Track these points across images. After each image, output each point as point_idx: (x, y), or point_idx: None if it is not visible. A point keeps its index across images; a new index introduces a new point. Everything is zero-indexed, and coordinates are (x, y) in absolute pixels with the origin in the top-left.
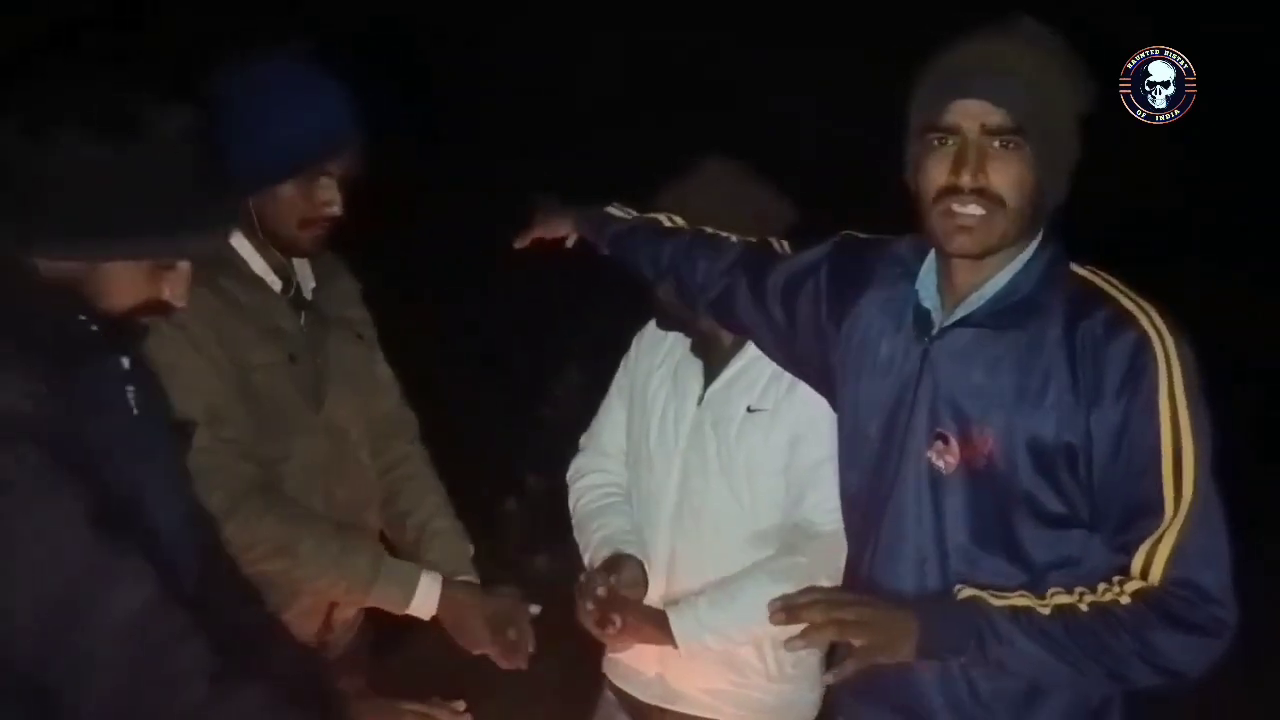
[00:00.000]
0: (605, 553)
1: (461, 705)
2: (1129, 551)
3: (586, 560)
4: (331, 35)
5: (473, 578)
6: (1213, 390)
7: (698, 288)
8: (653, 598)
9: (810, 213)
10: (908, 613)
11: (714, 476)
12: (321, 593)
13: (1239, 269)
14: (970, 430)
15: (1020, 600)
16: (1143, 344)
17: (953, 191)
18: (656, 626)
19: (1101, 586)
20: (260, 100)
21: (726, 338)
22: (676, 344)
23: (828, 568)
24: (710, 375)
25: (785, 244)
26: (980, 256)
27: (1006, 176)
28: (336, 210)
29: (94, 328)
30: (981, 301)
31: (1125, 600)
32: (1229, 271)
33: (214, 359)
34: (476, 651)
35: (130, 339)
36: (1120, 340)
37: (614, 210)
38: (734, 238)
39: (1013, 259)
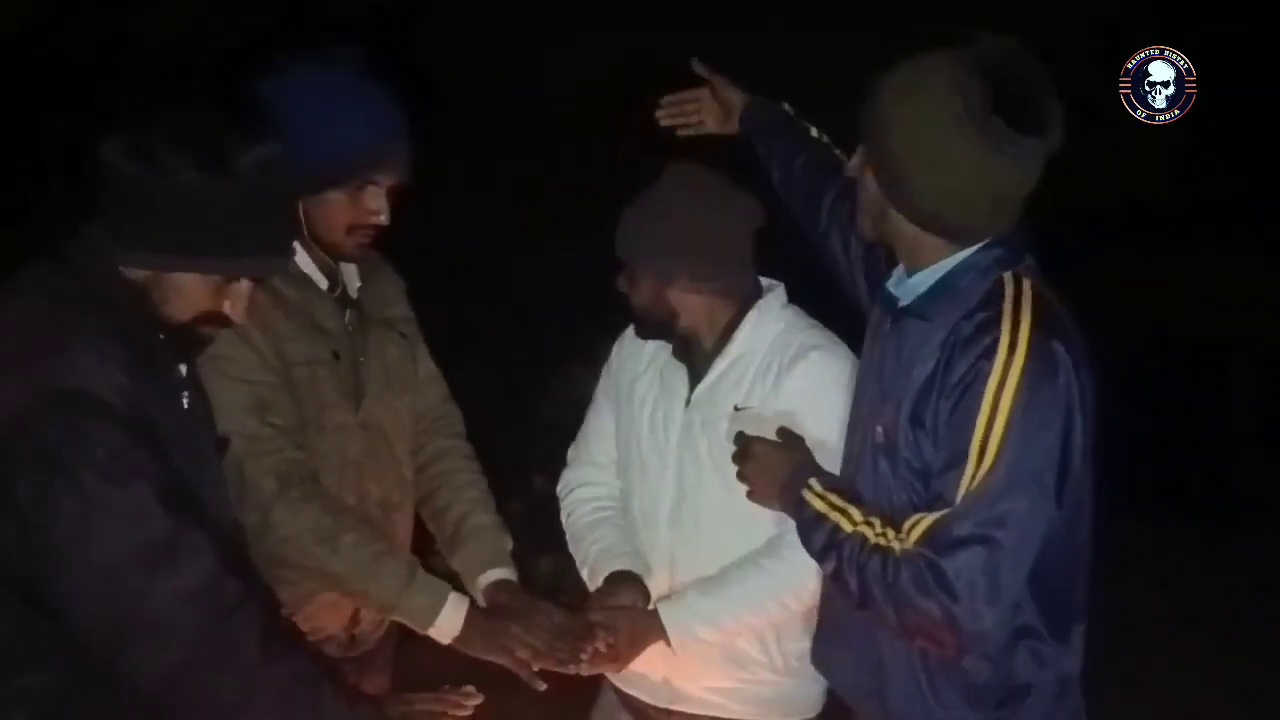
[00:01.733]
0: (604, 569)
1: (472, 689)
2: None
3: (585, 575)
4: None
5: (510, 573)
6: (1213, 385)
7: (815, 208)
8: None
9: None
10: (775, 482)
11: (708, 475)
12: (350, 595)
13: (1239, 269)
14: (886, 405)
15: (837, 515)
16: (989, 350)
17: None
18: (650, 625)
19: (890, 530)
20: (315, 107)
21: (708, 340)
22: (659, 349)
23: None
24: (695, 377)
25: None
26: (872, 243)
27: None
28: (384, 219)
29: (162, 335)
30: (918, 291)
31: (896, 551)
32: (1229, 271)
33: (261, 351)
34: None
35: (190, 348)
36: (976, 343)
37: (777, 105)
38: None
39: (951, 255)
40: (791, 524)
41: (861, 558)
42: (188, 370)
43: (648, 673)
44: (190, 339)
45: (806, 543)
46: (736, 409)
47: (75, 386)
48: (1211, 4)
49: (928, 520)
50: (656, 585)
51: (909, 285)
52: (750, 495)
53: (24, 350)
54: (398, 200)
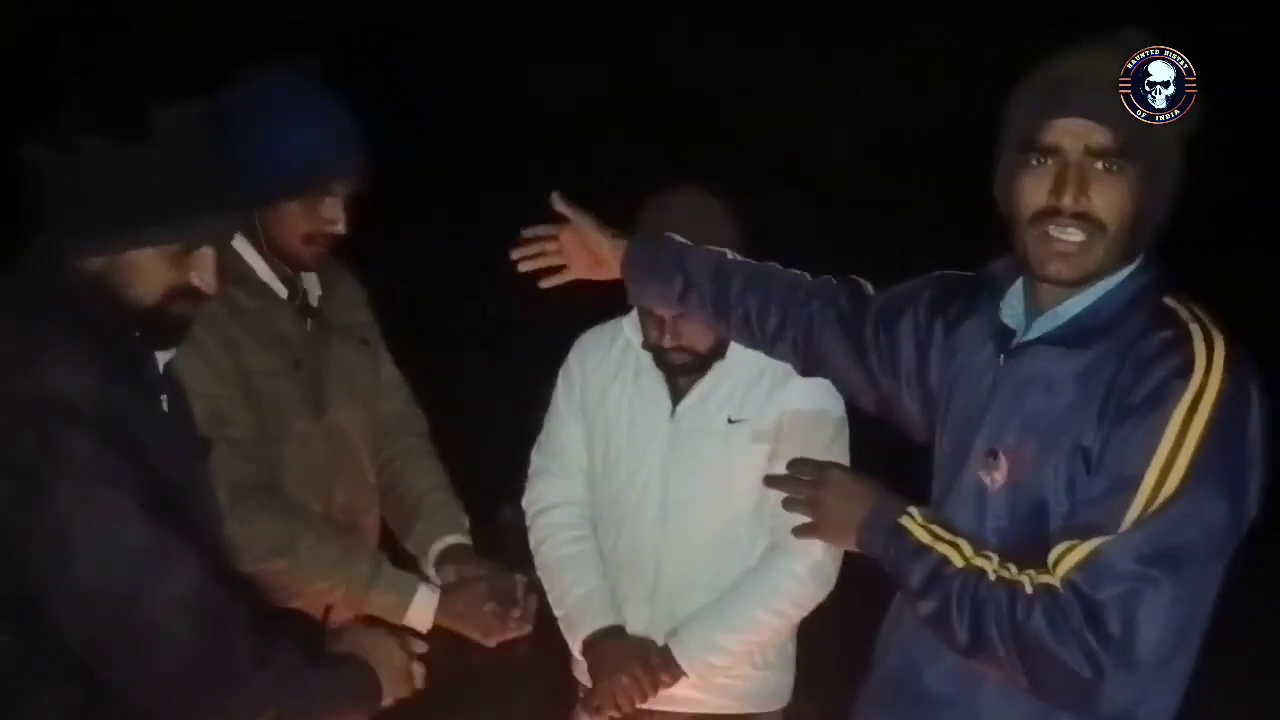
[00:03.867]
0: (585, 623)
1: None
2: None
3: (560, 615)
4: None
5: (465, 538)
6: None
7: (771, 318)
8: (642, 613)
9: (802, 215)
10: (856, 509)
11: (697, 486)
12: (318, 595)
13: (1239, 268)
14: (1021, 448)
15: (944, 547)
16: (1183, 370)
17: (1051, 214)
18: (664, 663)
19: (1011, 564)
20: (271, 117)
21: (703, 351)
22: (627, 354)
23: (808, 562)
24: (675, 387)
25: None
26: (1076, 284)
27: (1108, 200)
28: (340, 228)
29: (133, 328)
30: (1060, 320)
31: (1028, 588)
32: (1229, 271)
33: (217, 363)
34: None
35: (169, 332)
36: (1165, 362)
37: (672, 237)
38: (798, 272)
39: (1102, 281)
40: (785, 532)
41: (980, 593)
42: (165, 372)
43: None
44: (166, 322)
45: (901, 579)
46: (731, 421)
47: (47, 396)
48: (1211, 4)
49: (1086, 547)
50: (642, 590)
51: (1047, 316)
52: (810, 528)
53: None
54: (354, 210)
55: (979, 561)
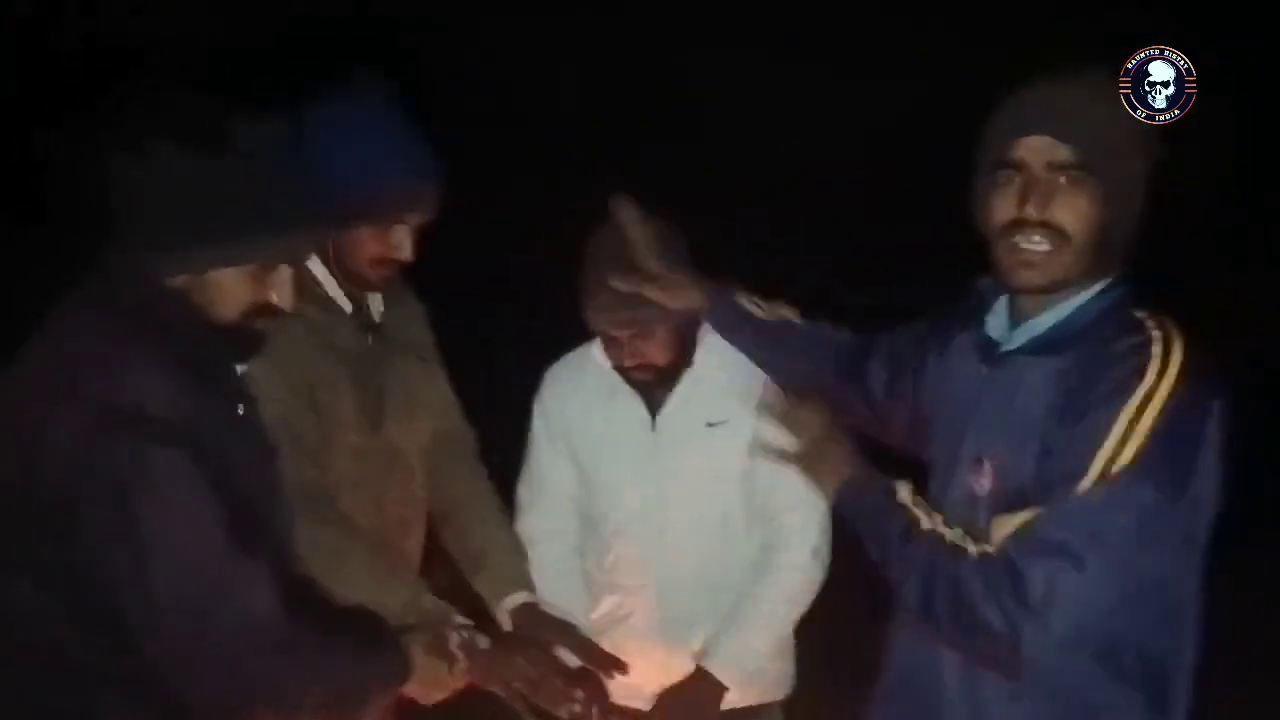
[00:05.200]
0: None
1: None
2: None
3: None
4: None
5: (531, 595)
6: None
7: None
8: (647, 625)
9: (782, 228)
10: (849, 464)
11: (687, 495)
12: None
13: (1239, 268)
14: (1004, 454)
15: (921, 511)
16: (1139, 370)
17: (1018, 225)
18: (703, 684)
19: (970, 538)
20: (354, 142)
21: (662, 363)
22: (600, 378)
23: (807, 549)
24: (651, 400)
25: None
26: (1044, 291)
27: (1071, 210)
28: (407, 255)
29: (214, 341)
30: (1037, 331)
31: (972, 552)
32: (1229, 270)
33: (285, 371)
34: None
35: (247, 347)
36: (1124, 363)
37: (743, 300)
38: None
39: (1077, 294)
40: (776, 530)
41: (933, 552)
42: (240, 379)
43: (643, 685)
44: (244, 337)
45: (875, 531)
46: (710, 425)
47: (135, 408)
48: (1211, 4)
49: (1017, 519)
50: (639, 603)
51: (1025, 327)
52: (800, 460)
53: (79, 373)
54: (421, 237)
55: (940, 529)
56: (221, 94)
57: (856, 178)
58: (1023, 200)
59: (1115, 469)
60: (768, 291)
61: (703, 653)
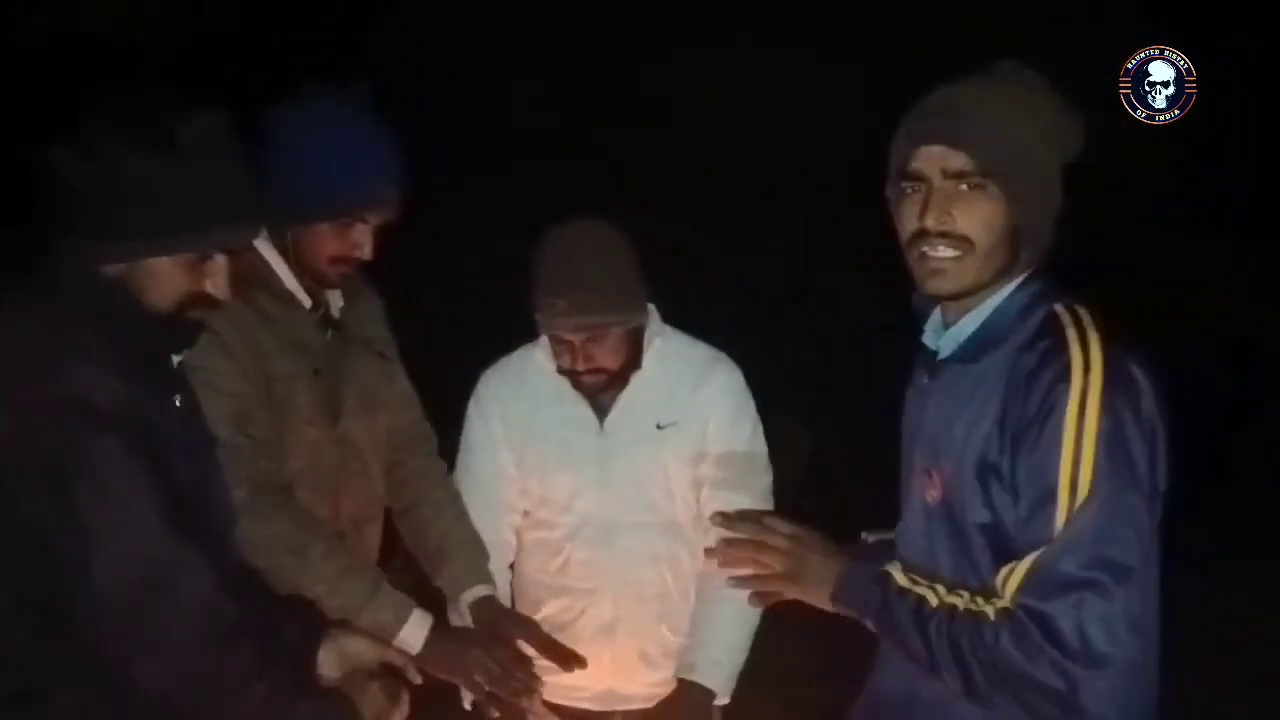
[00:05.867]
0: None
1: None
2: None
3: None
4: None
5: (490, 589)
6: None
7: None
8: (604, 627)
9: (759, 226)
10: (833, 564)
11: (637, 498)
12: (316, 602)
13: (1239, 268)
14: (942, 463)
15: (923, 589)
16: (1063, 374)
17: (923, 235)
18: (697, 700)
19: (980, 598)
20: (319, 142)
21: (614, 367)
22: (544, 381)
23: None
24: (598, 404)
25: None
26: (956, 297)
27: (973, 218)
28: (366, 254)
29: (150, 331)
30: (961, 338)
31: (991, 615)
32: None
33: (243, 364)
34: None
35: (183, 336)
36: (1047, 370)
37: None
38: None
39: (995, 294)
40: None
41: (954, 630)
42: (177, 370)
43: (590, 685)
44: (181, 326)
45: (889, 630)
46: (659, 427)
47: (72, 398)
48: (1211, 4)
49: (1024, 564)
50: (600, 606)
51: (951, 334)
52: (783, 582)
53: (18, 367)
54: (382, 235)
55: (951, 599)
56: (192, 93)
57: (857, 178)
58: (923, 211)
59: (1083, 477)
60: (768, 291)
61: (686, 666)
